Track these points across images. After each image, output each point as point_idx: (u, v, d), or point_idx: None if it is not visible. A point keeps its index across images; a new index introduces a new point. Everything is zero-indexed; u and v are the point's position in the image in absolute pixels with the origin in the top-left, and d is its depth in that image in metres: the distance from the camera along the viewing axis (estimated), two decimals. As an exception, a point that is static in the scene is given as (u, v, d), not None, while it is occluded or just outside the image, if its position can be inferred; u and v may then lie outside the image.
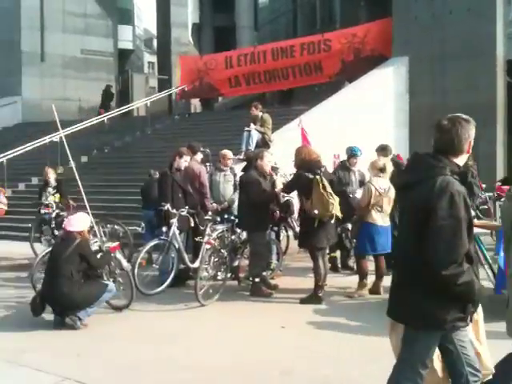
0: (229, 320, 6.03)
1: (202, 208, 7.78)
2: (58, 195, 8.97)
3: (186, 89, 19.40)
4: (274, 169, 8.65)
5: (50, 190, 9.02)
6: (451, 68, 14.69)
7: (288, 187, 7.10)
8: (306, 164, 6.65)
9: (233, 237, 7.32)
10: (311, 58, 16.92)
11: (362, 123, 13.22)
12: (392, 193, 6.99)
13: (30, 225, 9.83)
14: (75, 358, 4.89)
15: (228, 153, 8.56)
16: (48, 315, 5.88)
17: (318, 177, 6.44)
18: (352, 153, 8.27)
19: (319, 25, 25.32)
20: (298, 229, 7.69)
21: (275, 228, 7.69)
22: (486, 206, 7.45)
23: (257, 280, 6.90)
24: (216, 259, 6.87)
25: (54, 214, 7.74)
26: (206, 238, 6.98)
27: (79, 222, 6.13)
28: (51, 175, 9.23)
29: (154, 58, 38.78)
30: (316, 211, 6.39)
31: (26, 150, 14.77)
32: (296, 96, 20.90)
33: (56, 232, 7.42)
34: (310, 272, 7.04)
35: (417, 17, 15.24)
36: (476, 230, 6.76)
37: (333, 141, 11.08)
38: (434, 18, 15.02)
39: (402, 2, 15.48)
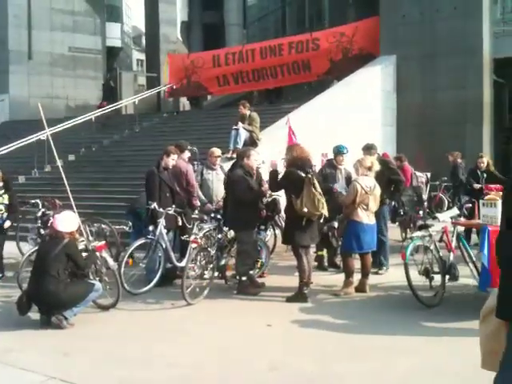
0: (215, 318, 6.05)
1: (189, 207, 7.79)
2: (6, 196, 7.85)
3: (175, 87, 19.36)
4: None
5: None
6: (438, 66, 14.80)
7: (277, 185, 7.00)
8: (298, 162, 6.67)
9: (220, 235, 7.33)
10: (299, 57, 16.96)
11: (349, 122, 13.29)
12: (378, 191, 7.05)
13: (15, 224, 9.78)
14: (62, 357, 4.88)
15: (215, 150, 8.56)
16: (34, 314, 5.86)
17: (309, 175, 6.49)
18: (339, 151, 8.32)
19: (308, 23, 25.39)
20: (285, 226, 7.71)
21: (262, 226, 7.71)
22: (470, 205, 7.53)
23: (243, 278, 6.92)
24: (203, 258, 6.88)
25: (39, 213, 7.69)
26: (192, 237, 6.99)
27: (69, 222, 6.12)
28: None
29: (142, 56, 38.64)
30: (306, 209, 6.42)
31: (13, 148, 14.68)
32: (285, 94, 20.96)
33: (42, 231, 7.38)
34: (296, 270, 7.07)
35: (404, 15, 15.34)
36: (461, 228, 6.86)
37: (320, 139, 11.13)
38: (421, 16, 15.13)
39: (389, 0, 15.57)
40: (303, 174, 6.52)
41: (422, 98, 15.08)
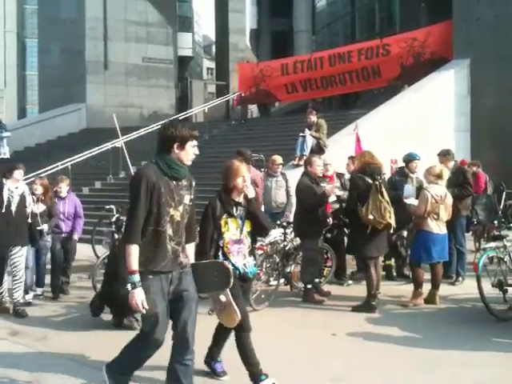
0: (280, 326, 6.06)
1: None
2: None
3: (243, 95, 19.62)
4: (341, 175, 8.54)
5: None
6: (514, 70, 14.18)
7: (352, 197, 6.63)
8: (366, 168, 6.55)
9: (285, 243, 7.35)
10: (369, 63, 16.75)
11: (420, 128, 12.94)
12: (449, 200, 6.82)
13: (92, 228, 10.22)
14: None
15: (277, 158, 8.55)
16: (106, 316, 6.08)
17: (377, 182, 6.39)
18: (411, 157, 8.10)
19: (378, 28, 25.01)
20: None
21: (328, 234, 7.65)
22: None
23: (309, 286, 6.90)
24: (268, 265, 6.92)
25: (114, 218, 7.97)
26: (258, 244, 7.03)
27: None
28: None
29: (212, 64, 39.39)
30: (371, 217, 6.31)
31: (90, 155, 15.35)
32: (361, 98, 20.69)
33: (116, 235, 7.65)
34: (364, 279, 6.97)
35: (479, 18, 14.82)
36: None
37: (390, 146, 10.91)
38: (496, 18, 14.55)
39: (463, 2, 15.10)
40: (370, 181, 6.42)
41: (498, 101, 14.49)
